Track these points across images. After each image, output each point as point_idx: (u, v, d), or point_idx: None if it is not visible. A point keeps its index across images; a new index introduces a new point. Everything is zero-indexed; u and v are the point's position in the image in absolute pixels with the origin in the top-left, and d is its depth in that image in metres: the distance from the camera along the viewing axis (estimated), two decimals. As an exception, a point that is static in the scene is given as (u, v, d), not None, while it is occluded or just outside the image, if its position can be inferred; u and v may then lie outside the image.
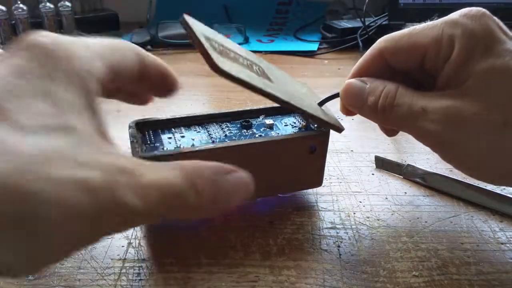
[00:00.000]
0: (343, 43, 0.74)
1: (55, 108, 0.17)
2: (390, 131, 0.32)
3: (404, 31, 0.27)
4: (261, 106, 0.34)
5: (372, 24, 0.76)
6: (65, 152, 0.16)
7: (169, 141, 0.30)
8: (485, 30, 0.25)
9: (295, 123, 0.33)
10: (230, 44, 0.26)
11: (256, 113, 0.34)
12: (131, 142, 0.29)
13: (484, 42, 0.25)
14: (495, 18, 0.26)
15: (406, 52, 0.27)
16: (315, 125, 0.31)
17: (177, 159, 0.22)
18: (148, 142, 0.30)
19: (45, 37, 0.19)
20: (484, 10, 0.26)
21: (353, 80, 0.28)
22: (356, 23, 0.77)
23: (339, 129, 0.30)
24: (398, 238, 0.29)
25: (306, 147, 0.30)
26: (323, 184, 0.33)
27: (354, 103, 0.28)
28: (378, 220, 0.31)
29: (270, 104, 0.29)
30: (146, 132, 0.32)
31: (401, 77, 0.28)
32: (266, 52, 0.73)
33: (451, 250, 0.28)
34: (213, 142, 0.30)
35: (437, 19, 0.27)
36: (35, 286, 0.25)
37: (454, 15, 0.26)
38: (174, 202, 0.18)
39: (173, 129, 0.32)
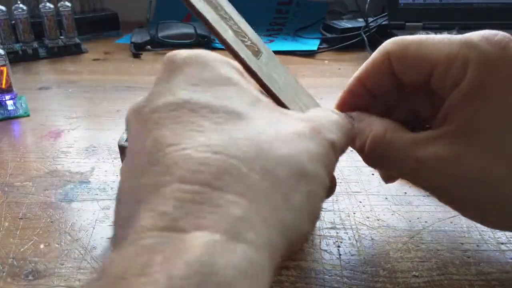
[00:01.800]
0: (343, 42, 0.74)
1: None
2: (388, 178, 0.29)
3: (416, 37, 0.24)
4: None
5: (372, 24, 0.76)
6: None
7: None
8: (506, 62, 0.21)
9: None
10: (234, 13, 0.26)
11: None
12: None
13: (501, 75, 0.21)
14: None
15: (413, 61, 0.24)
16: None
17: None
18: None
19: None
20: (510, 37, 0.22)
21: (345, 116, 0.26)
22: (356, 23, 0.77)
23: None
24: (398, 238, 0.29)
25: None
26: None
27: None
28: (378, 220, 0.31)
29: None
30: None
31: (406, 91, 0.26)
32: (266, 52, 0.73)
33: (451, 250, 0.28)
34: None
35: (456, 34, 0.23)
36: (35, 286, 0.25)
37: (476, 35, 0.22)
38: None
39: None
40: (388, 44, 0.25)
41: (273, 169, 0.16)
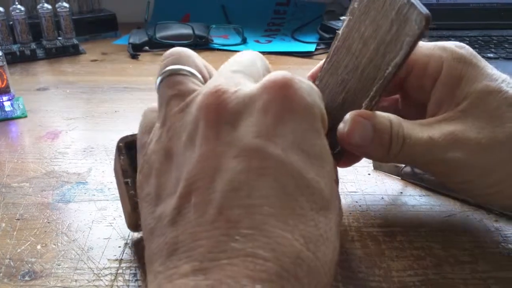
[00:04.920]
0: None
1: None
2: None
3: None
4: None
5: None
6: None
7: None
8: (474, 56, 0.27)
9: None
10: None
11: None
12: (125, 183, 0.27)
13: (475, 65, 0.26)
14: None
15: None
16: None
17: None
18: None
19: None
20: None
21: (358, 118, 0.25)
22: (354, 24, 0.78)
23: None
24: (393, 237, 0.29)
25: None
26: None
27: (361, 142, 0.25)
28: (374, 219, 0.31)
29: None
30: (136, 153, 0.27)
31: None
32: (264, 53, 0.73)
33: (446, 249, 0.28)
34: None
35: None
36: (32, 287, 0.25)
37: (445, 43, 0.28)
38: None
39: None
40: None
41: (334, 271, 0.18)
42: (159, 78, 0.22)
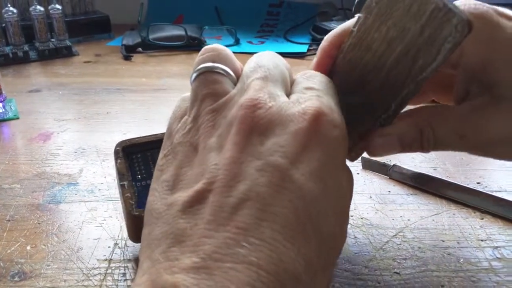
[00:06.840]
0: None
1: None
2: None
3: None
4: None
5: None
6: None
7: None
8: (496, 27, 0.23)
9: None
10: None
11: None
12: (121, 185, 0.27)
13: (500, 43, 0.23)
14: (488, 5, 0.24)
15: None
16: None
17: None
18: (138, 175, 0.29)
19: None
20: (489, 7, 0.24)
21: (383, 138, 0.25)
22: (346, 24, 0.78)
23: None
24: (381, 236, 0.30)
25: None
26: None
27: (387, 153, 0.26)
28: (361, 218, 0.32)
29: None
30: (134, 158, 0.29)
31: None
32: (257, 54, 0.74)
33: (432, 247, 0.29)
34: None
35: None
36: (21, 287, 0.26)
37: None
38: None
39: None
40: None
41: None
42: (195, 73, 0.23)
